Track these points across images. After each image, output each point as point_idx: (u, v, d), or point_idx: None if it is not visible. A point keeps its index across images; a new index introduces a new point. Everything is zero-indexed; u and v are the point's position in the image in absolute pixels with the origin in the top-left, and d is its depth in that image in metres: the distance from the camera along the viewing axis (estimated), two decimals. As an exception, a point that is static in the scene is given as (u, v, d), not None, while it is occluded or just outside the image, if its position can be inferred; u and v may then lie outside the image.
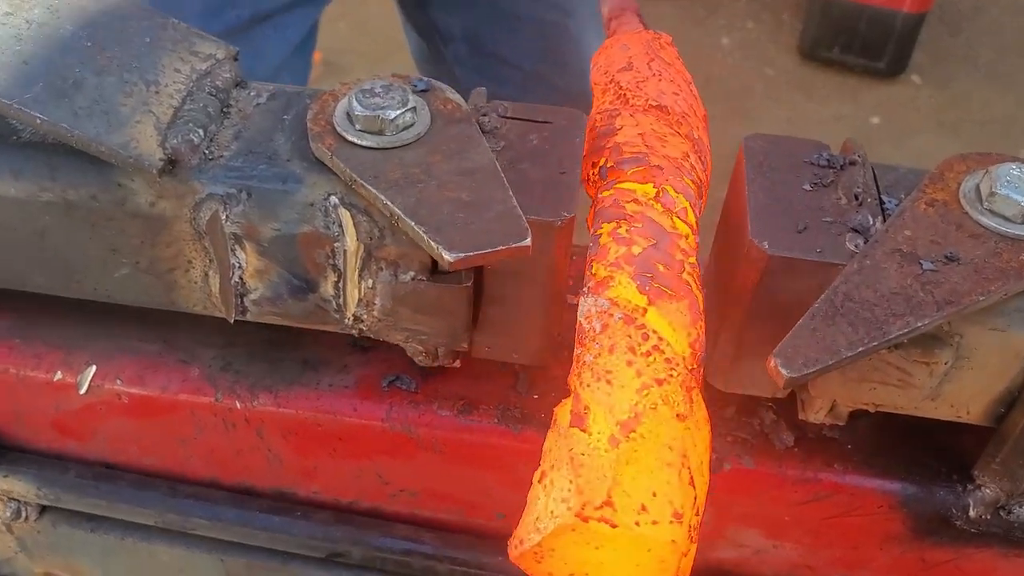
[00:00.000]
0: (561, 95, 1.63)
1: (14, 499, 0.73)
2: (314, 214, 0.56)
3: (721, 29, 4.05)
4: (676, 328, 0.52)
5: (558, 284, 0.60)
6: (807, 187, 0.60)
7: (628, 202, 0.57)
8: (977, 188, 0.57)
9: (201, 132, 0.57)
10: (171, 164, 0.55)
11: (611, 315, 0.52)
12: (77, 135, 0.54)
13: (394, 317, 0.59)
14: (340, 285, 0.59)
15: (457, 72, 1.70)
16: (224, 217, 0.56)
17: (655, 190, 0.57)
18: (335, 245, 0.57)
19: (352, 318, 0.60)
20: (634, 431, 0.48)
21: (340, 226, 0.56)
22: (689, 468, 0.49)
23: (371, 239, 0.56)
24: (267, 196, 0.56)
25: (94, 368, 0.68)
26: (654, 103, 0.63)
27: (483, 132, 0.59)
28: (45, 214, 0.59)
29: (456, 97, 0.60)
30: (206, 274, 0.60)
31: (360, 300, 0.59)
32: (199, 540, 0.73)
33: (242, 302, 0.61)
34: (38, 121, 0.54)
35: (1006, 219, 0.55)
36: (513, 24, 1.65)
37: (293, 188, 0.56)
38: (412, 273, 0.57)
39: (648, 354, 0.51)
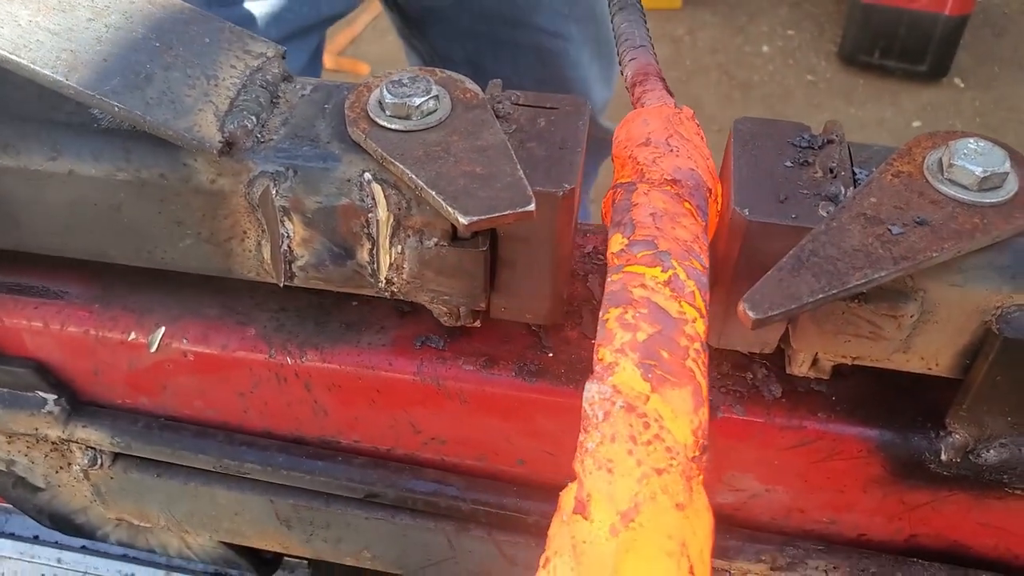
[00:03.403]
0: None
1: (91, 447, 0.82)
2: (351, 188, 0.65)
3: (762, 36, 4.10)
4: (678, 415, 0.52)
5: (563, 250, 0.68)
6: (789, 164, 0.66)
7: (635, 287, 0.57)
8: (939, 160, 0.63)
9: (254, 119, 0.66)
10: (228, 146, 0.64)
11: (613, 403, 0.52)
12: (149, 121, 0.63)
13: (421, 280, 0.68)
14: (374, 252, 0.67)
15: None
16: (274, 192, 0.65)
17: (664, 274, 0.58)
18: (369, 216, 0.65)
19: (385, 281, 0.69)
20: (633, 521, 0.49)
21: (373, 199, 0.64)
22: (688, 557, 0.49)
23: (400, 210, 0.65)
24: (310, 173, 0.65)
25: (163, 329, 0.77)
26: (668, 177, 0.65)
27: (497, 117, 0.67)
28: (120, 191, 0.68)
29: (473, 87, 0.68)
30: (259, 243, 0.69)
31: (391, 265, 0.68)
32: (252, 483, 0.82)
33: (290, 268, 0.69)
34: (116, 109, 0.63)
35: (963, 187, 0.61)
36: (513, 51, 1.73)
37: (332, 166, 0.65)
38: (435, 239, 0.66)
39: (649, 443, 0.51)
